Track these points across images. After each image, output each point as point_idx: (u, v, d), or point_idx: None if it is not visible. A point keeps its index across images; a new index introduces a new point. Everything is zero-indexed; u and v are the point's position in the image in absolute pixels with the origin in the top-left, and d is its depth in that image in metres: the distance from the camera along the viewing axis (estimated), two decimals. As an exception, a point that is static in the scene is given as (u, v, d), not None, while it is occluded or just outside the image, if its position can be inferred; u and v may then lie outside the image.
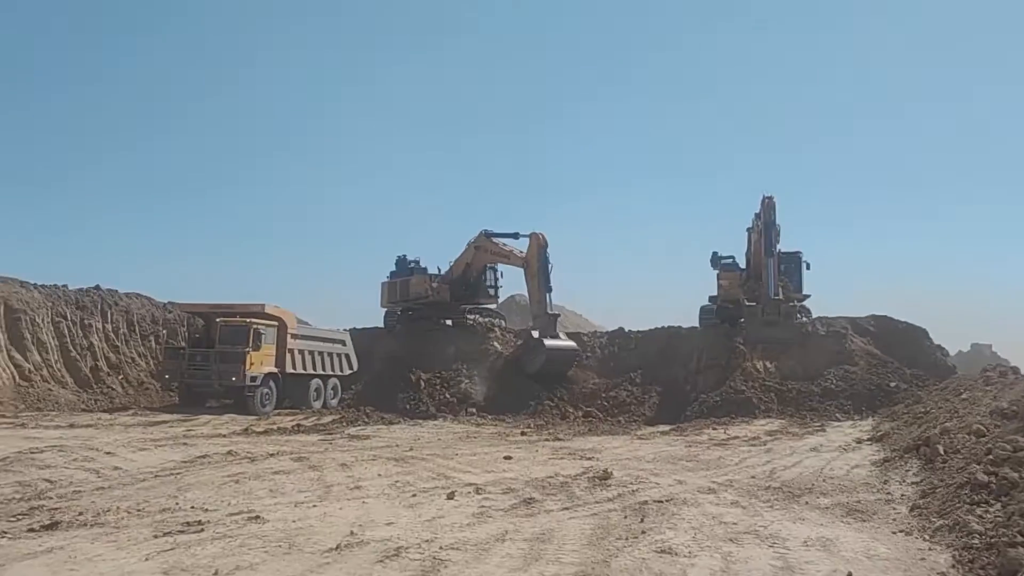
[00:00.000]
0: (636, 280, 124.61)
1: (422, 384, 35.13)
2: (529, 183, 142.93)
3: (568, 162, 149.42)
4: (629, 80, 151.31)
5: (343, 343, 36.11)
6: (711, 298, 39.60)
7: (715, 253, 39.60)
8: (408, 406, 33.42)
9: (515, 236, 38.87)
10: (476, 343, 38.81)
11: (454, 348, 38.30)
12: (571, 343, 37.74)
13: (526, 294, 39.85)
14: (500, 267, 41.97)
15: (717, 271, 39.22)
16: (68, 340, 33.16)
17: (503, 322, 43.46)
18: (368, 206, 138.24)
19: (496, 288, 42.61)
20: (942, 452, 14.27)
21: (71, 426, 24.00)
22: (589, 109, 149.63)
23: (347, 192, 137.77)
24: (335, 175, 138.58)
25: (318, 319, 39.66)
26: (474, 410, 33.02)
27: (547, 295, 37.19)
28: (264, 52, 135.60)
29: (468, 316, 41.63)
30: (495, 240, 39.55)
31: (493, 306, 43.80)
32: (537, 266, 36.89)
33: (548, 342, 36.26)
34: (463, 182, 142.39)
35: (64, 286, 35.68)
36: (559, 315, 39.04)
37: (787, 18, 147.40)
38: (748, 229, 38.20)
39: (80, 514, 11.24)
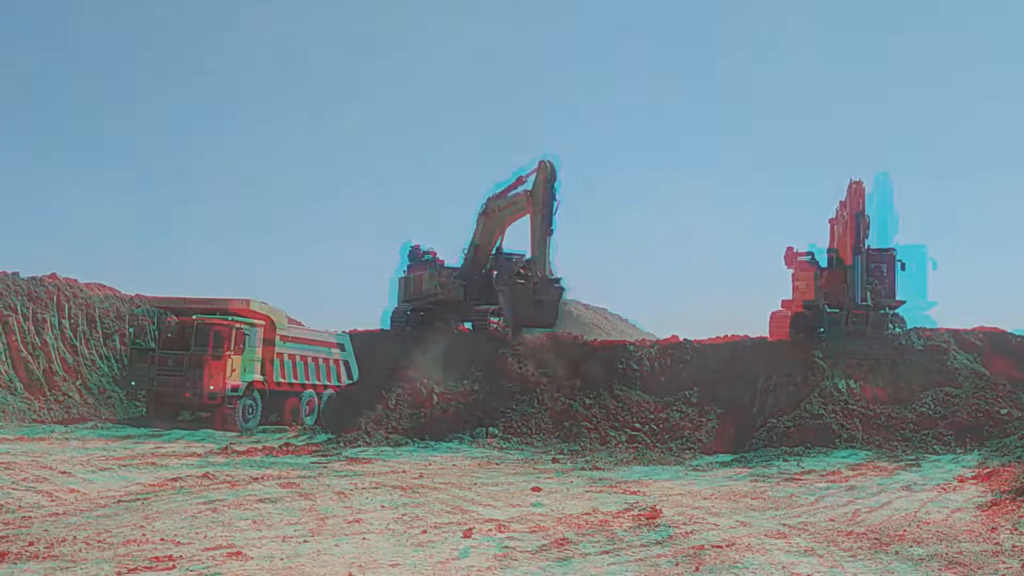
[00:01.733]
0: (693, 280, 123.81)
1: (435, 399, 35.14)
2: (571, 165, 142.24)
3: (617, 143, 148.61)
4: (691, 54, 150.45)
5: (341, 348, 36.31)
6: (784, 303, 39.42)
7: (790, 249, 39.40)
8: (418, 425, 33.46)
9: (520, 181, 39.16)
10: (499, 351, 38.69)
11: (473, 357, 38.23)
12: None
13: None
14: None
15: (792, 271, 39.02)
16: (17, 338, 33.45)
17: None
18: (374, 189, 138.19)
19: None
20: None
21: (20, 440, 24.22)
22: (644, 86, 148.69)
23: (349, 173, 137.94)
24: (335, 152, 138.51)
25: (312, 319, 39.82)
26: (496, 431, 32.97)
27: (548, 239, 37.43)
28: (250, 22, 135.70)
29: (491, 319, 41.58)
30: (498, 195, 39.77)
31: None
32: (541, 200, 37.11)
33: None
34: (490, 164, 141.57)
35: (14, 274, 35.97)
36: (561, 289, 39.31)
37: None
38: (831, 220, 37.99)
39: (30, 544, 11.34)
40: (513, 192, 39.54)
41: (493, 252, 41.31)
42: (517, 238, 40.04)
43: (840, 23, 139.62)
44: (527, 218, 38.75)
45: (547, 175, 37.26)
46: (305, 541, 12.13)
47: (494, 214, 40.15)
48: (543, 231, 37.24)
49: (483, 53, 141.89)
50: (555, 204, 37.21)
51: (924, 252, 37.64)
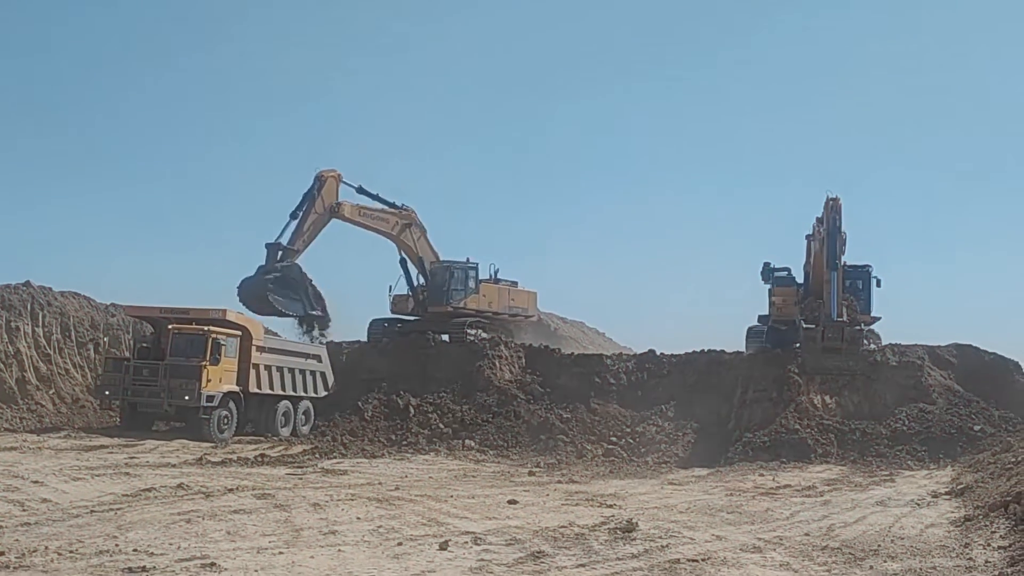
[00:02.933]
0: (671, 294, 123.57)
1: (411, 411, 35.13)
2: (541, 181, 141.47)
3: (586, 156, 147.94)
4: (658, 60, 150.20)
5: (318, 359, 36.13)
6: (761, 318, 39.50)
7: (767, 264, 39.46)
8: (394, 436, 33.42)
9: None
10: (475, 363, 38.63)
11: (450, 368, 38.24)
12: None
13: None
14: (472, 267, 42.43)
15: (769, 286, 39.11)
16: (-10, 346, 33.21)
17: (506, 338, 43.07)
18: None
19: (449, 291, 42.17)
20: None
21: (-9, 449, 24.09)
22: (621, 95, 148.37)
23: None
24: (324, 156, 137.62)
25: (289, 330, 39.67)
26: (473, 443, 32.99)
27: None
28: (244, 20, 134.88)
29: (468, 331, 41.53)
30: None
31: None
32: None
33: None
34: (459, 178, 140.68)
35: (-13, 282, 35.71)
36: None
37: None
38: (808, 236, 38.13)
39: (1, 554, 11.27)
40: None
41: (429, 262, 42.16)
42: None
43: (824, 30, 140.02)
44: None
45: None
46: (280, 552, 12.09)
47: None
48: None
49: (464, 56, 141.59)
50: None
51: (870, 271, 38.11)
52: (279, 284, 36.59)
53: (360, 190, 39.20)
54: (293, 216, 36.92)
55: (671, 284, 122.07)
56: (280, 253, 36.69)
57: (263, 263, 36.92)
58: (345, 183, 38.53)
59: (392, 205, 40.49)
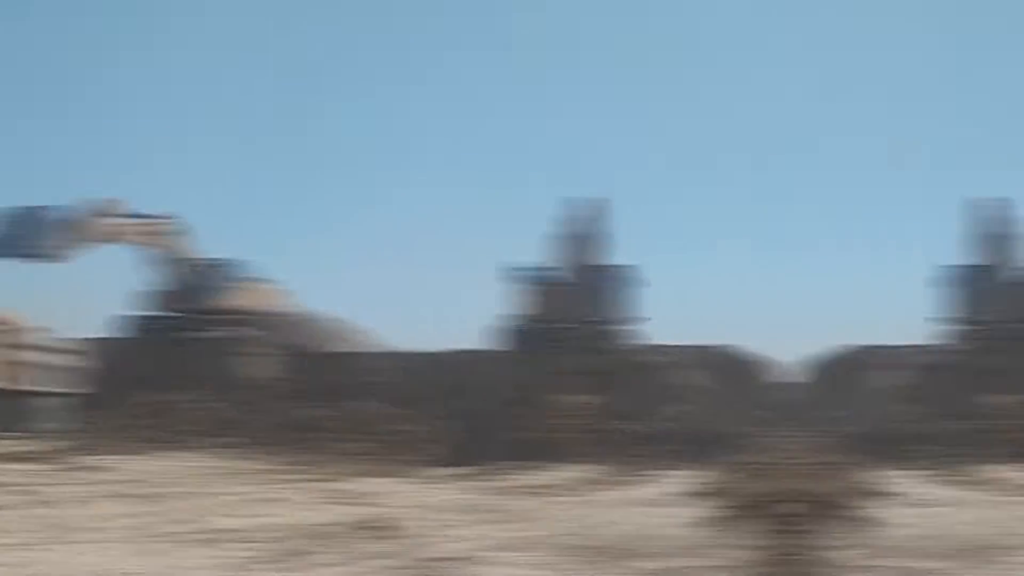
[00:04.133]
0: (424, 288, 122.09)
1: (173, 408, 34.65)
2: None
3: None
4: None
5: (81, 355, 35.35)
6: (519, 317, 39.52)
7: (524, 263, 39.28)
8: (156, 434, 32.91)
9: None
10: (236, 362, 38.31)
11: (211, 366, 37.83)
12: None
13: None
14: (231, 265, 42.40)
15: (526, 286, 39.13)
16: None
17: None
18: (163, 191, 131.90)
19: (209, 289, 41.98)
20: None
21: None
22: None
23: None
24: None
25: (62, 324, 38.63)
26: (234, 441, 32.75)
27: None
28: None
29: (228, 329, 41.06)
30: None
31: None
32: None
33: None
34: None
35: None
36: None
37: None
38: (568, 236, 38.28)
39: None
40: None
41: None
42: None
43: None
44: None
45: None
46: (46, 549, 11.87)
47: None
48: None
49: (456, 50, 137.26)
50: None
51: (633, 271, 39.01)
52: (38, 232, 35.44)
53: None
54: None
55: (428, 280, 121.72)
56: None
57: None
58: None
59: (151, 216, 39.74)
